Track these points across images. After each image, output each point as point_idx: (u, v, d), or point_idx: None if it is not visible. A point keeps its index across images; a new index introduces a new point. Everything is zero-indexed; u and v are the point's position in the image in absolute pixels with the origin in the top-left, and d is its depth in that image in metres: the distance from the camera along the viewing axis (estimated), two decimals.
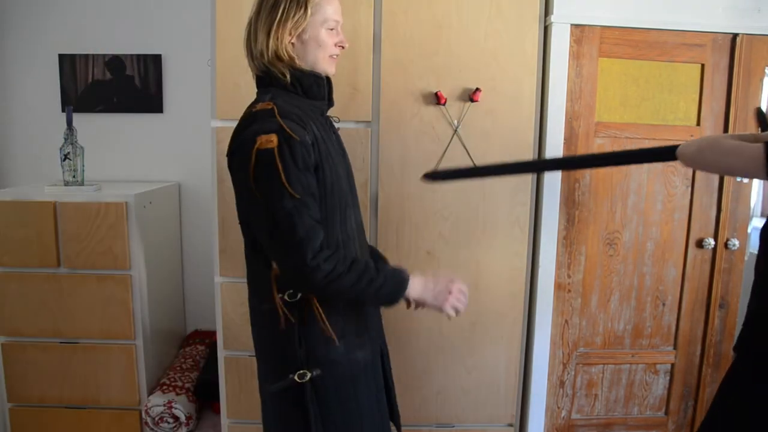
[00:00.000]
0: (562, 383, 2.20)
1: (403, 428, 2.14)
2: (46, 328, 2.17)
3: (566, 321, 2.16)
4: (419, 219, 2.01)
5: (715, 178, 2.11)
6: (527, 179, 2.01)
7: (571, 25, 1.97)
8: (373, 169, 1.99)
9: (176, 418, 2.21)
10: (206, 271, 2.48)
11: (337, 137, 1.42)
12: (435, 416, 2.14)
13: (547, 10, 1.96)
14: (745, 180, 2.11)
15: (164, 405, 2.20)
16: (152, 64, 2.63)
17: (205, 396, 2.38)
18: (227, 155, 1.26)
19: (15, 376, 2.21)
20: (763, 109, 1.92)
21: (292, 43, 1.27)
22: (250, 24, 1.30)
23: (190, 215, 2.79)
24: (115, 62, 2.63)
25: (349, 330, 1.31)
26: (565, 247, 2.10)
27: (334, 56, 1.34)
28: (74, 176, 2.25)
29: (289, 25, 1.24)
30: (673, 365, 2.22)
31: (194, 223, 2.78)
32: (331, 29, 1.30)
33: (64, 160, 2.23)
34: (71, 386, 2.21)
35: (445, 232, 2.03)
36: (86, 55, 2.61)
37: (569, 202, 2.08)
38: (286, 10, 1.23)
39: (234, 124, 1.93)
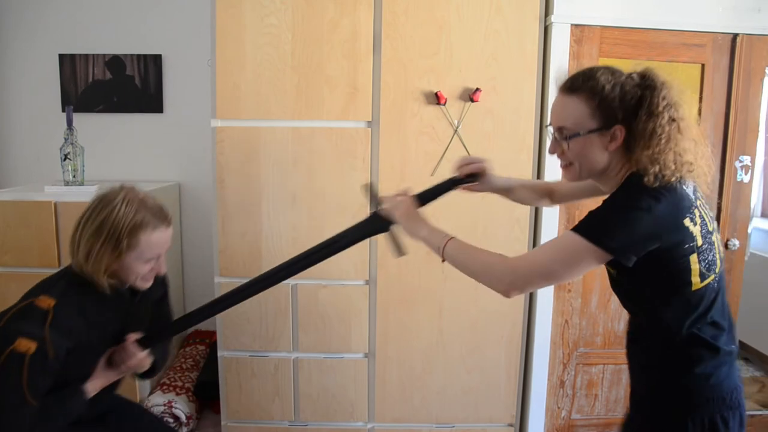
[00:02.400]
0: (562, 383, 2.20)
1: (403, 428, 2.15)
2: None
3: (566, 321, 2.16)
4: None
5: (716, 178, 2.10)
6: (527, 177, 2.01)
7: (571, 25, 1.97)
8: (373, 169, 1.99)
9: (176, 418, 2.21)
10: (206, 271, 2.48)
11: (140, 309, 1.42)
12: (435, 416, 2.14)
13: (547, 10, 1.96)
14: (750, 180, 2.11)
15: (164, 405, 2.20)
16: (152, 64, 2.63)
17: (205, 396, 2.38)
18: None
19: None
20: None
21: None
22: (79, 225, 1.27)
23: (190, 215, 2.79)
24: (115, 62, 2.63)
25: None
26: None
27: (148, 277, 1.33)
28: (74, 176, 2.25)
29: (105, 261, 1.24)
30: None
31: (194, 223, 2.78)
32: (148, 261, 1.30)
33: (64, 160, 2.23)
34: None
35: None
36: (86, 55, 2.61)
37: None
38: (104, 246, 1.22)
39: (234, 124, 1.95)
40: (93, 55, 2.61)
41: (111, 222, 1.23)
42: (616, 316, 2.18)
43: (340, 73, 1.93)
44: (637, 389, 1.20)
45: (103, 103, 2.65)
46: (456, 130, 1.97)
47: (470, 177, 1.36)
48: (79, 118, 2.36)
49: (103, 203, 1.26)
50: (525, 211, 2.02)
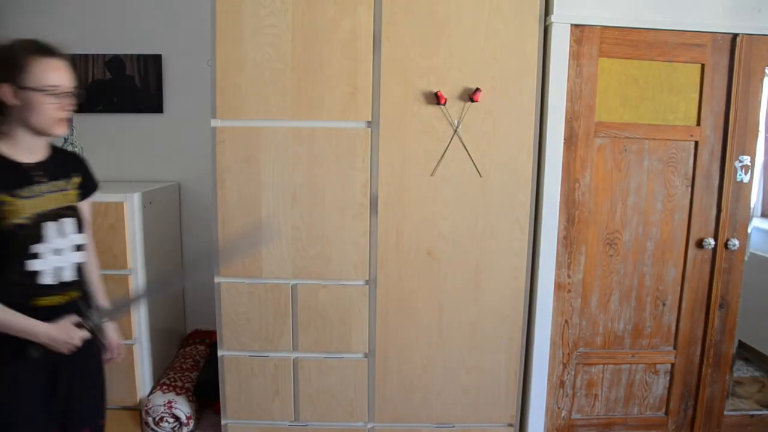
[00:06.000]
0: (562, 383, 2.20)
1: (403, 428, 2.15)
2: None
3: (566, 321, 2.16)
4: (419, 219, 2.01)
5: (716, 177, 2.11)
6: (527, 179, 2.01)
7: (571, 25, 1.97)
8: (373, 169, 1.99)
9: (176, 418, 2.21)
10: (206, 271, 2.48)
11: None
12: (435, 416, 2.14)
13: (547, 10, 1.96)
14: (750, 180, 2.11)
15: (164, 405, 2.20)
16: (152, 64, 2.63)
17: (205, 396, 2.38)
18: None
19: None
20: None
21: None
22: None
23: (190, 215, 2.79)
24: (115, 62, 2.63)
25: None
26: (565, 247, 2.10)
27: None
28: None
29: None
30: (673, 365, 2.22)
31: (194, 223, 2.78)
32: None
33: None
34: None
35: (445, 232, 2.03)
36: (86, 55, 2.61)
37: (569, 202, 2.08)
38: None
39: (234, 124, 1.95)
40: (93, 55, 2.61)
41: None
42: (616, 316, 2.18)
43: (340, 73, 1.93)
44: None
45: (103, 103, 2.65)
46: (456, 130, 1.97)
47: None
48: (79, 118, 2.35)
49: None
50: (525, 211, 2.03)
